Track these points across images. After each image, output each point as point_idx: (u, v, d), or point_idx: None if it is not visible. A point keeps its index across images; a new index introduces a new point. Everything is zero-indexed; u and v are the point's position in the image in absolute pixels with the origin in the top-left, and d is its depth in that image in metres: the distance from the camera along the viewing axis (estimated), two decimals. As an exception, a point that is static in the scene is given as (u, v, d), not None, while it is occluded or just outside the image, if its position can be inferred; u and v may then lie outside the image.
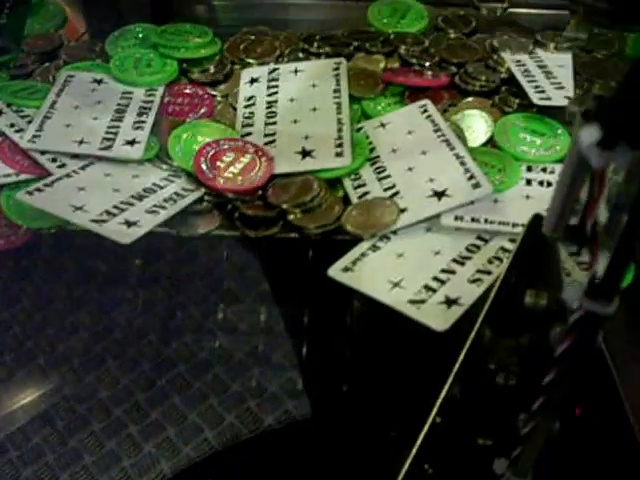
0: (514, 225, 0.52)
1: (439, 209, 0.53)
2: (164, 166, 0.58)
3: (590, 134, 0.23)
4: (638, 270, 0.40)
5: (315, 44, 0.70)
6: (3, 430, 0.61)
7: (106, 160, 0.58)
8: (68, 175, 0.56)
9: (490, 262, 0.50)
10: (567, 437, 0.38)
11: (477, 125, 0.61)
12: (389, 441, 0.56)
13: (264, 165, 0.56)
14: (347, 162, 0.57)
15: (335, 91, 0.64)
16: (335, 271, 0.50)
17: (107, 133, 0.59)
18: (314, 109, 0.62)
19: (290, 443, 0.60)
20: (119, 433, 0.60)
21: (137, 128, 0.60)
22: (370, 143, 0.59)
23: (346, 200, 0.55)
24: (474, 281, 0.49)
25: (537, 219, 0.43)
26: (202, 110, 0.64)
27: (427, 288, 0.48)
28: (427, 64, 0.67)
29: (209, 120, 0.63)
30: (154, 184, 0.56)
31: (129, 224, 0.51)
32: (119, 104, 0.63)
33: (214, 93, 0.66)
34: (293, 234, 0.54)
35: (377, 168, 0.57)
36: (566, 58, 0.67)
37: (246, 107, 0.64)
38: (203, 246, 0.72)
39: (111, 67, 0.67)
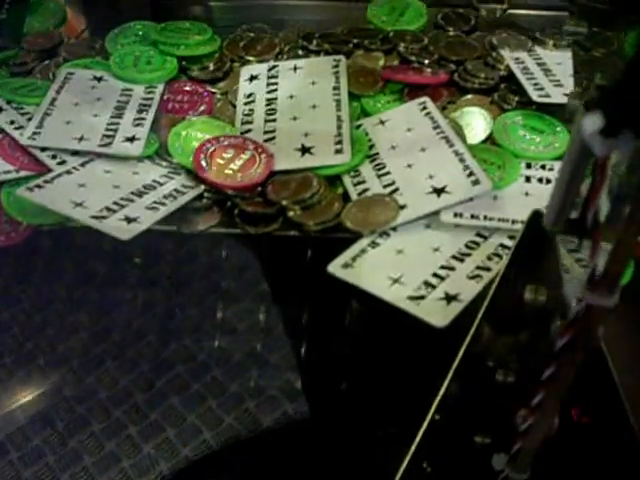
0: (513, 222, 0.52)
1: (438, 206, 0.53)
2: (164, 163, 0.58)
3: (593, 122, 0.23)
4: (638, 269, 0.40)
5: (314, 42, 0.70)
6: (3, 431, 0.61)
7: (106, 157, 0.58)
8: (68, 172, 0.56)
9: (489, 259, 0.50)
10: (566, 435, 0.38)
11: (476, 122, 0.61)
12: (388, 440, 0.56)
13: (264, 162, 0.56)
14: (346, 159, 0.57)
15: (334, 88, 0.64)
16: (335, 267, 0.50)
17: (107, 130, 0.60)
18: (313, 106, 0.62)
19: (289, 443, 0.60)
20: (119, 434, 0.60)
21: (137, 125, 0.60)
22: (369, 140, 0.60)
23: (346, 197, 0.55)
24: (473, 277, 0.49)
25: (536, 216, 0.43)
26: (202, 107, 0.64)
27: (427, 284, 0.48)
28: (426, 62, 0.67)
29: (209, 117, 0.63)
30: (154, 181, 0.56)
31: (129, 220, 0.52)
32: (119, 101, 0.63)
33: (214, 90, 0.66)
34: (293, 232, 0.54)
35: (376, 165, 0.57)
36: (565, 56, 0.68)
37: (246, 104, 0.64)
38: (202, 247, 0.72)
39: (111, 64, 0.67)
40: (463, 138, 0.59)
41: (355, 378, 0.61)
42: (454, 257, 0.50)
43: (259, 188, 0.56)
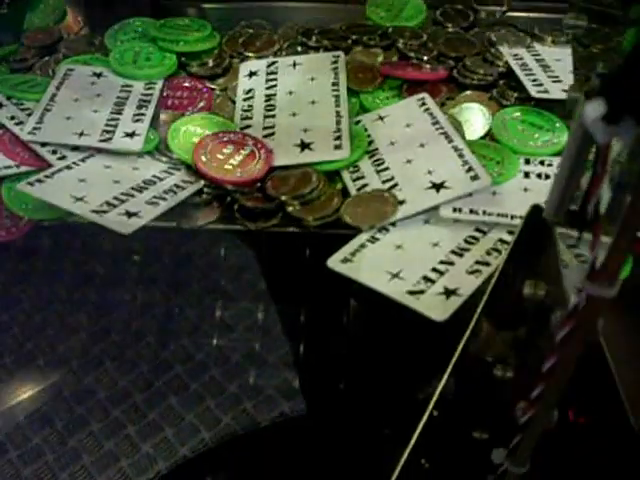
0: (512, 217, 0.52)
1: (437, 201, 0.53)
2: (163, 159, 0.59)
3: (595, 109, 0.23)
4: (637, 265, 0.40)
5: (313, 38, 0.70)
6: (3, 430, 0.61)
7: (106, 152, 0.58)
8: (68, 167, 0.56)
9: (488, 254, 0.50)
10: (564, 429, 0.38)
11: (475, 118, 0.61)
12: (386, 436, 0.56)
13: (263, 157, 0.57)
14: (346, 154, 0.57)
15: (333, 84, 0.64)
16: (334, 262, 0.50)
17: (107, 125, 0.60)
18: (313, 102, 0.63)
19: (286, 440, 0.60)
20: (117, 433, 0.60)
21: (137, 121, 0.60)
22: (368, 136, 0.60)
23: (345, 192, 0.56)
24: (473, 272, 0.49)
25: (535, 211, 0.43)
26: (201, 103, 0.64)
27: (426, 279, 0.48)
28: (425, 58, 0.67)
29: (208, 113, 0.63)
30: (154, 176, 0.56)
31: (129, 215, 0.52)
32: (119, 97, 0.63)
33: (213, 87, 0.66)
34: (292, 227, 0.54)
35: (375, 161, 0.57)
36: (564, 52, 0.68)
37: (245, 100, 0.64)
38: (200, 248, 0.72)
39: (110, 60, 0.67)
40: (462, 134, 0.59)
41: (354, 375, 0.62)
42: (453, 252, 0.50)
43: (258, 184, 0.56)
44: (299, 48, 0.70)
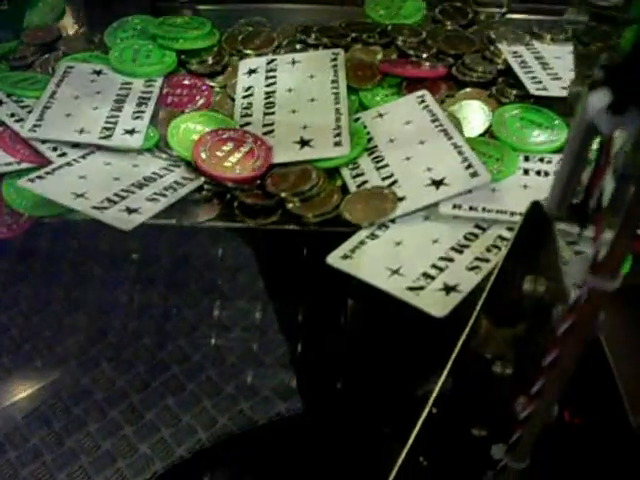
0: (512, 214, 0.52)
1: (437, 198, 0.53)
2: (163, 156, 0.59)
3: (600, 99, 0.23)
4: (638, 265, 0.40)
5: (312, 35, 0.70)
6: (2, 430, 0.61)
7: (106, 149, 0.58)
8: (69, 164, 0.56)
9: (488, 250, 0.50)
10: (563, 426, 0.38)
11: (474, 116, 0.62)
12: (384, 436, 0.56)
13: (263, 154, 0.57)
14: (345, 151, 0.57)
15: (333, 82, 0.64)
16: (334, 259, 0.50)
17: (107, 123, 0.60)
18: (312, 99, 0.63)
19: (283, 440, 0.60)
20: (115, 434, 0.60)
21: (136, 118, 0.60)
22: (368, 133, 0.60)
23: (344, 189, 0.56)
24: (472, 269, 0.49)
25: (535, 207, 0.43)
26: (200, 101, 0.64)
27: (425, 275, 0.48)
28: (424, 55, 0.67)
29: (208, 110, 0.63)
30: (154, 173, 0.56)
31: (130, 211, 0.52)
32: (118, 94, 0.63)
33: (212, 84, 0.66)
34: (292, 225, 0.54)
35: (375, 158, 0.57)
36: (563, 50, 0.68)
37: (244, 97, 0.64)
38: (197, 248, 0.73)
39: (110, 58, 0.67)
40: (461, 131, 0.59)
41: (352, 374, 0.62)
42: (453, 249, 0.51)
43: (258, 180, 0.56)
44: (298, 46, 0.70)
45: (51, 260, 0.72)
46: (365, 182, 0.55)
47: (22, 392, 0.64)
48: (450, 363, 0.39)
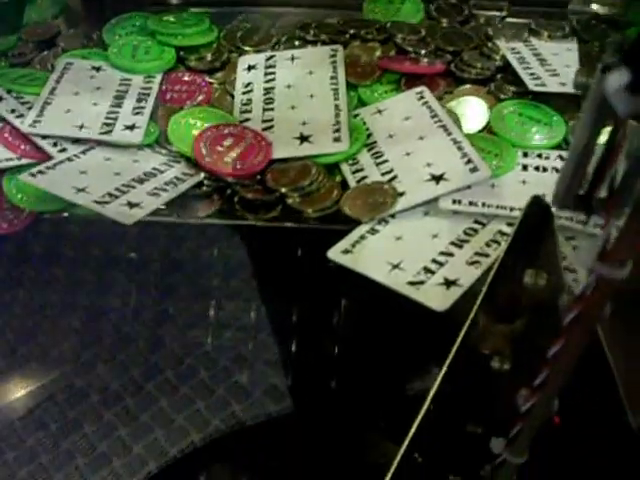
0: (511, 209, 0.52)
1: (437, 193, 0.53)
2: (164, 151, 0.59)
3: (617, 79, 0.22)
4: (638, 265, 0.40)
5: (311, 32, 0.70)
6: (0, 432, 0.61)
7: (106, 145, 0.58)
8: (69, 159, 0.56)
9: (488, 245, 0.50)
10: (562, 421, 0.38)
11: (473, 112, 0.62)
12: (380, 433, 0.56)
13: (263, 150, 0.57)
14: (345, 147, 0.57)
15: (332, 78, 0.64)
16: (335, 253, 0.50)
17: (107, 118, 0.60)
18: (311, 96, 0.63)
19: (276, 441, 0.61)
20: (110, 435, 0.61)
21: (136, 114, 0.60)
22: (367, 129, 0.60)
23: (344, 185, 0.56)
24: (472, 263, 0.49)
25: (536, 201, 0.44)
26: (200, 97, 0.64)
27: (426, 270, 0.49)
28: (423, 52, 0.67)
29: (207, 106, 0.63)
30: (154, 168, 0.56)
31: (131, 205, 0.52)
32: (118, 90, 0.63)
33: (211, 81, 0.66)
34: (291, 222, 0.54)
35: (374, 153, 0.58)
36: (561, 46, 0.68)
37: (244, 94, 0.64)
38: (192, 252, 0.73)
39: (109, 54, 0.67)
40: (460, 127, 0.59)
41: (346, 374, 0.62)
42: (453, 243, 0.51)
43: (258, 176, 0.56)
44: (297, 42, 0.70)
45: (45, 264, 0.72)
46: (365, 177, 0.56)
47: (18, 394, 0.64)
48: (451, 356, 0.39)
